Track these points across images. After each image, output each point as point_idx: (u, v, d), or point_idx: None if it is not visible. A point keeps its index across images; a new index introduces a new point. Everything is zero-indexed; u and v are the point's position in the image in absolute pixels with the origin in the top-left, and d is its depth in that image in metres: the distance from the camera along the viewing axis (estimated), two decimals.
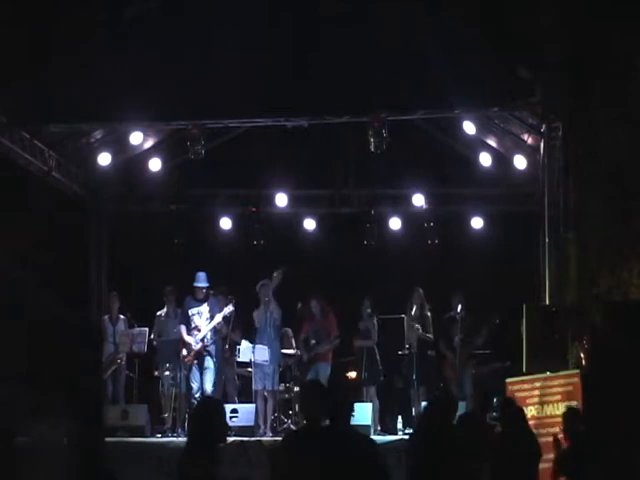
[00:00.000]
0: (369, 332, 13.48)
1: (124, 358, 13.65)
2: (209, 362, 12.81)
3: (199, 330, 12.86)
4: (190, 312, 12.92)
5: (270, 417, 12.97)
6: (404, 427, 13.13)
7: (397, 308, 13.71)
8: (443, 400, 8.02)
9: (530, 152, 13.57)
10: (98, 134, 13.88)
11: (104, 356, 12.68)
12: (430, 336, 13.48)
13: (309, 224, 15.34)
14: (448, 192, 15.04)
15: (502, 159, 14.29)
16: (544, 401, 10.24)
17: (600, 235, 10.83)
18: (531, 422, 9.58)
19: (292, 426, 12.65)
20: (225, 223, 15.32)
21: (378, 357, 13.46)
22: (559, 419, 9.37)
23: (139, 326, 13.74)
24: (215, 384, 12.89)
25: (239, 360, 13.42)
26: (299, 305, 13.74)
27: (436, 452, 7.04)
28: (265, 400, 13.10)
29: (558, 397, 10.10)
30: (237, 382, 13.91)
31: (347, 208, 15.35)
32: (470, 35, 11.42)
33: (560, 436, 8.92)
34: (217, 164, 13.96)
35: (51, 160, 13.41)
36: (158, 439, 12.36)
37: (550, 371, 10.43)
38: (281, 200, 14.98)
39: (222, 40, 11.43)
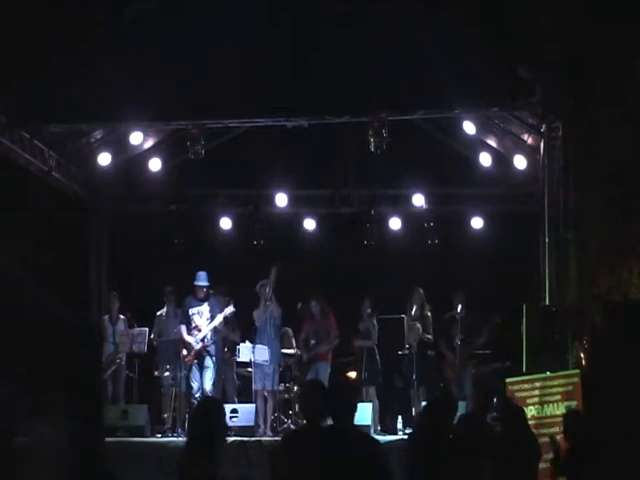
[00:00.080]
0: (369, 332, 13.48)
1: (124, 358, 13.65)
2: (209, 361, 12.80)
3: (199, 330, 12.85)
4: (190, 312, 12.92)
5: (270, 417, 12.97)
6: (404, 427, 13.13)
7: (397, 308, 13.71)
8: (443, 400, 8.01)
9: (530, 152, 13.58)
10: (98, 134, 13.88)
11: (104, 356, 12.68)
12: (430, 336, 13.48)
13: (309, 224, 15.34)
14: (448, 192, 15.04)
15: (502, 159, 14.30)
16: (544, 401, 10.23)
17: (600, 235, 10.83)
18: (531, 422, 9.58)
19: (292, 426, 12.65)
20: (225, 223, 15.32)
21: (378, 357, 13.46)
22: (559, 419, 9.37)
23: (139, 326, 13.73)
24: (215, 383, 12.88)
25: (239, 360, 13.42)
26: (299, 305, 13.74)
27: (435, 452, 7.04)
28: (265, 400, 13.10)
29: (558, 397, 10.10)
30: (236, 382, 13.91)
31: (347, 208, 15.36)
32: (470, 35, 11.42)
33: (559, 437, 8.92)
34: (217, 164, 13.96)
35: (51, 160, 13.41)
36: (158, 439, 12.36)
37: (550, 371, 10.42)
38: (281, 200, 14.98)
39: (222, 40, 11.43)
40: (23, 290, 5.35)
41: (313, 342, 13.33)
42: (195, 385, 12.78)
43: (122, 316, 13.92)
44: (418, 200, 14.84)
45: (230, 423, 11.97)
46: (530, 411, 10.09)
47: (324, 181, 15.24)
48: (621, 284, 10.60)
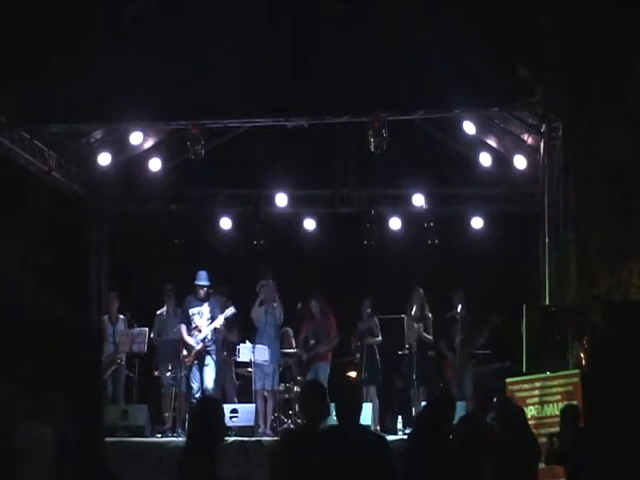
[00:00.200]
0: (371, 331, 13.48)
1: (124, 358, 13.64)
2: (209, 360, 12.79)
3: (199, 330, 12.83)
4: (191, 312, 12.90)
5: (270, 417, 12.97)
6: (404, 427, 13.13)
7: (397, 308, 13.72)
8: (443, 400, 8.01)
9: (530, 152, 13.57)
10: (98, 134, 13.88)
11: (104, 356, 12.68)
12: (430, 336, 13.48)
13: (309, 224, 15.34)
14: (448, 192, 15.04)
15: (502, 159, 14.29)
16: (544, 401, 10.24)
17: (600, 235, 10.83)
18: (531, 422, 9.57)
19: (292, 426, 12.65)
20: (225, 223, 15.32)
21: (378, 357, 13.47)
22: (559, 419, 9.37)
23: (139, 326, 13.73)
24: (216, 381, 12.87)
25: (239, 360, 13.42)
26: (299, 305, 13.74)
27: (435, 452, 7.04)
28: (265, 400, 13.10)
29: (558, 397, 10.10)
30: (236, 382, 13.91)
31: (347, 208, 15.35)
32: (470, 35, 11.42)
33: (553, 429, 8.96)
34: (217, 164, 13.95)
35: (51, 160, 13.41)
36: (158, 439, 12.35)
37: (550, 371, 10.42)
38: (281, 200, 14.98)
39: (222, 40, 11.43)
40: (23, 290, 5.36)
41: (313, 342, 13.33)
42: (195, 385, 12.77)
43: (122, 316, 13.91)
44: (418, 200, 14.84)
45: (230, 423, 11.98)
46: (530, 411, 10.09)
47: (324, 181, 15.24)
48: (621, 284, 10.60)
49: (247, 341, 13.33)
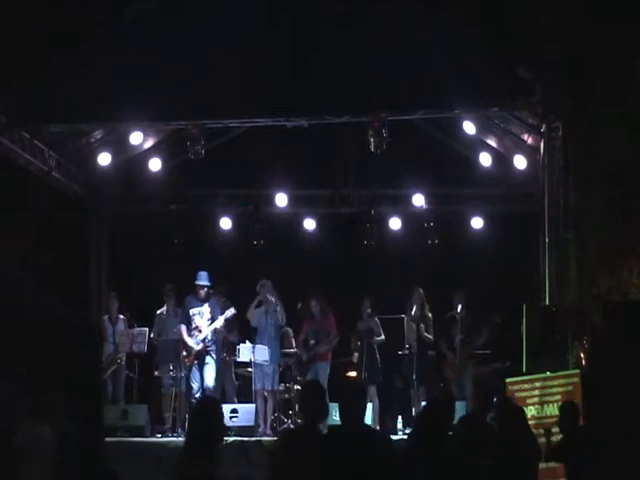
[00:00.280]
0: (372, 331, 13.47)
1: (124, 358, 13.64)
2: (209, 359, 12.78)
3: (200, 331, 12.83)
4: (191, 312, 12.90)
5: (270, 417, 12.97)
6: (404, 427, 13.14)
7: (397, 308, 13.72)
8: (443, 400, 8.01)
9: (530, 152, 13.57)
10: (98, 134, 13.88)
11: (104, 356, 12.68)
12: (430, 336, 13.48)
13: (309, 224, 15.34)
14: (448, 192, 15.04)
15: (502, 159, 14.29)
16: (544, 401, 10.23)
17: (600, 235, 10.83)
18: (531, 422, 9.56)
19: (292, 426, 12.65)
20: (225, 223, 15.32)
21: (378, 357, 13.47)
22: (558, 416, 9.38)
23: (139, 326, 13.73)
24: (216, 380, 12.86)
25: (239, 360, 13.42)
26: (299, 305, 13.74)
27: (435, 452, 7.04)
28: (265, 400, 13.10)
29: (558, 397, 10.09)
30: (235, 382, 13.91)
31: (347, 208, 15.36)
32: (470, 35, 11.41)
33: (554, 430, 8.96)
34: (217, 164, 13.95)
35: (51, 160, 13.41)
36: (158, 439, 12.35)
37: (550, 371, 10.42)
38: (281, 200, 14.98)
39: (222, 40, 11.42)
40: (23, 290, 5.36)
41: (313, 342, 13.33)
42: (195, 385, 12.77)
43: (122, 316, 13.91)
44: (418, 200, 14.84)
45: (230, 423, 11.99)
46: (530, 411, 10.09)
47: (324, 181, 15.24)
48: (621, 284, 10.60)
49: (247, 341, 13.33)
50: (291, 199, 15.04)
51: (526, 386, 10.48)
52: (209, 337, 12.83)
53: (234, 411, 12.41)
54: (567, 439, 8.63)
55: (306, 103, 11.52)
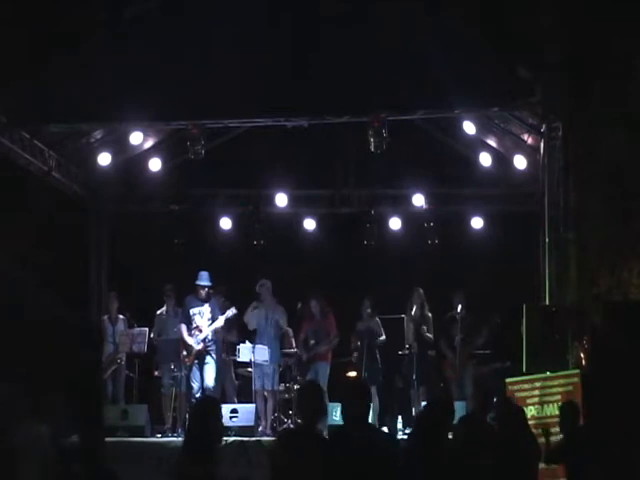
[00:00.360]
0: (372, 331, 13.46)
1: (124, 358, 13.64)
2: (209, 359, 12.78)
3: (200, 330, 12.83)
4: (192, 312, 12.89)
5: (270, 417, 12.97)
6: (404, 427, 13.13)
7: (397, 308, 13.71)
8: (442, 400, 8.01)
9: (530, 152, 13.57)
10: (98, 134, 13.88)
11: (104, 356, 12.67)
12: (430, 336, 13.48)
13: (309, 224, 15.34)
14: (448, 192, 15.04)
15: (502, 159, 14.30)
16: (544, 401, 10.23)
17: (600, 235, 10.83)
18: (531, 422, 9.56)
19: (292, 426, 12.65)
20: (225, 223, 15.32)
21: (378, 357, 13.46)
22: (559, 416, 9.38)
23: (139, 326, 13.73)
24: (216, 380, 12.86)
25: (239, 360, 13.42)
26: (299, 305, 13.74)
27: (435, 452, 7.04)
28: (265, 400, 13.10)
29: (558, 397, 10.09)
30: (235, 382, 13.91)
31: (347, 208, 15.36)
32: (470, 35, 11.42)
33: (551, 429, 8.96)
34: (217, 164, 13.96)
35: (51, 160, 13.41)
36: (158, 439, 12.36)
37: (550, 371, 10.42)
38: (281, 200, 14.98)
39: (222, 40, 11.43)
40: (23, 290, 5.35)
41: (312, 342, 13.33)
42: (195, 385, 12.77)
43: (121, 316, 13.91)
44: (418, 200, 14.84)
45: (230, 423, 11.99)
46: (530, 411, 10.08)
47: (324, 181, 15.24)
48: (621, 284, 10.60)
49: (247, 341, 13.33)
50: (291, 199, 15.04)
51: (526, 386, 10.48)
52: (209, 337, 12.82)
53: (234, 411, 12.41)
54: (567, 439, 8.63)
55: (306, 103, 11.52)
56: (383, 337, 13.53)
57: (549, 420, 9.97)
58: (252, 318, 13.39)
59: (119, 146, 14.12)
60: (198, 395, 12.53)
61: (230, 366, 13.72)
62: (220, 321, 12.84)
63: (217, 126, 12.87)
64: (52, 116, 11.98)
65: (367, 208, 15.06)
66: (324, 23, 11.57)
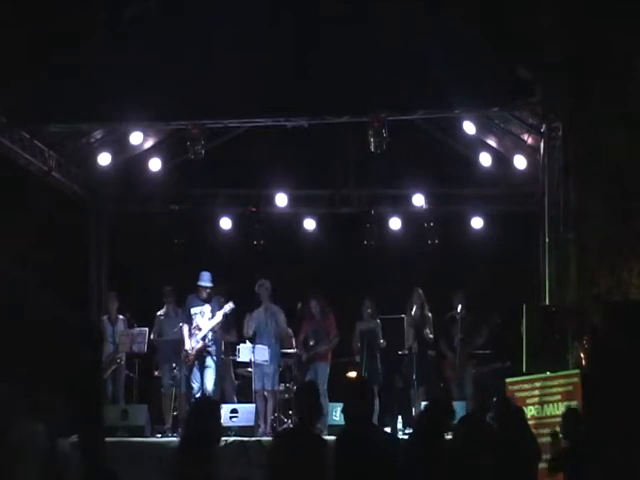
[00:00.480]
0: (373, 331, 13.44)
1: (124, 358, 13.63)
2: (210, 361, 12.77)
3: (200, 329, 12.83)
4: (193, 311, 12.88)
5: (270, 417, 12.96)
6: (404, 427, 13.12)
7: (397, 308, 13.71)
8: (442, 401, 8.01)
9: (530, 152, 13.58)
10: (98, 134, 13.89)
11: (104, 356, 12.66)
12: (430, 336, 13.47)
13: (309, 224, 15.34)
14: (448, 192, 15.05)
15: (502, 159, 14.30)
16: (544, 401, 10.23)
17: (600, 235, 10.83)
18: (531, 422, 9.58)
19: (291, 426, 12.64)
20: (225, 223, 15.32)
21: (378, 357, 13.45)
22: (559, 419, 9.37)
23: (139, 326, 13.72)
24: (216, 383, 12.86)
25: (239, 360, 13.42)
26: (299, 305, 13.73)
27: (435, 452, 7.04)
28: (265, 400, 13.09)
29: (558, 397, 10.10)
30: (235, 382, 13.90)
31: (347, 208, 15.36)
32: (470, 35, 11.42)
33: (560, 436, 8.92)
34: (217, 164, 13.96)
35: (51, 160, 13.41)
36: (158, 439, 12.35)
37: (550, 371, 10.42)
38: (281, 200, 14.98)
39: (222, 40, 11.43)
40: (23, 290, 5.35)
41: (312, 342, 13.32)
42: (195, 385, 12.76)
43: (121, 316, 13.90)
44: (418, 200, 14.85)
45: (230, 423, 11.98)
46: (530, 411, 10.09)
47: (324, 181, 15.25)
48: (621, 284, 10.60)
49: (247, 341, 13.33)
50: (291, 199, 15.04)
51: (526, 386, 10.48)
52: (209, 336, 12.79)
53: (234, 411, 12.40)
54: (569, 446, 8.60)
55: (306, 103, 11.53)
56: (381, 340, 13.50)
57: (549, 420, 9.98)
58: (251, 321, 13.37)
59: (119, 146, 14.12)
60: (198, 395, 12.52)
61: (230, 366, 13.71)
62: (218, 316, 12.81)
63: (217, 126, 12.87)
64: (52, 116, 11.98)
65: (367, 208, 15.06)
66: (324, 23, 11.57)
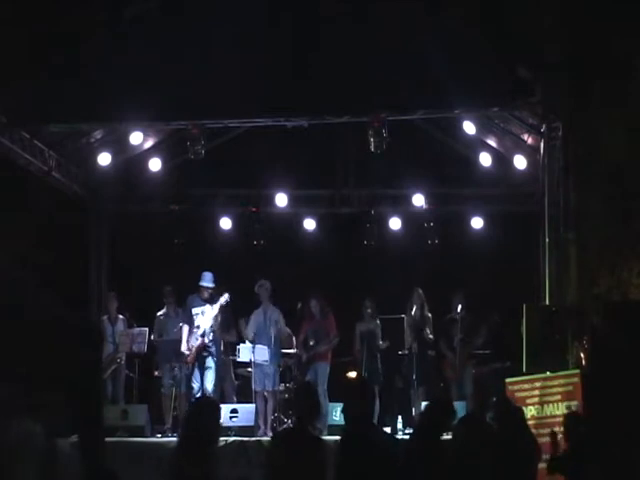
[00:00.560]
0: (373, 332, 13.44)
1: (123, 358, 13.63)
2: (210, 362, 12.77)
3: (200, 328, 12.82)
4: (194, 311, 12.88)
5: (270, 417, 12.96)
6: (404, 427, 13.12)
7: (397, 308, 13.71)
8: (442, 401, 8.01)
9: (530, 152, 13.58)
10: (98, 134, 13.89)
11: (104, 356, 12.66)
12: (430, 336, 13.47)
13: (309, 224, 15.34)
14: (448, 192, 15.05)
15: (502, 159, 14.30)
16: (544, 401, 10.23)
17: (600, 235, 10.82)
18: (531, 422, 9.58)
19: (291, 426, 12.64)
20: (225, 223, 15.32)
21: (379, 357, 13.46)
22: (559, 419, 9.38)
23: (138, 326, 13.73)
24: (216, 384, 12.86)
25: (239, 360, 13.42)
26: (299, 305, 13.73)
27: (435, 452, 7.04)
28: (265, 400, 13.09)
29: (558, 397, 10.10)
30: (234, 382, 13.90)
31: (347, 208, 15.36)
32: (470, 35, 11.42)
33: (560, 437, 8.92)
34: (217, 164, 13.96)
35: (51, 160, 13.41)
36: (158, 439, 12.35)
37: (550, 371, 10.42)
38: (281, 200, 14.99)
39: (222, 40, 11.43)
40: (23, 290, 5.35)
41: (312, 342, 13.32)
42: (196, 385, 12.75)
43: (121, 316, 13.90)
44: (418, 200, 14.85)
45: (230, 423, 11.98)
46: (530, 411, 10.09)
47: (324, 181, 15.25)
48: (621, 284, 10.59)
49: (247, 341, 13.32)
50: (291, 199, 15.04)
51: (526, 386, 10.48)
52: (210, 337, 12.76)
53: (234, 411, 12.40)
54: (571, 449, 8.60)
55: (306, 103, 11.53)
56: (382, 342, 13.49)
57: (549, 420, 9.98)
58: (250, 323, 13.36)
59: (119, 146, 14.12)
60: (199, 395, 12.52)
61: (229, 366, 13.70)
62: (215, 309, 12.77)
63: (217, 126, 12.87)
64: (52, 116, 11.98)
65: (367, 208, 15.06)
66: (324, 23, 11.57)
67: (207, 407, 6.24)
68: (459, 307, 13.28)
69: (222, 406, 10.85)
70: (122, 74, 11.46)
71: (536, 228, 13.04)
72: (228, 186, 15.20)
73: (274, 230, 15.09)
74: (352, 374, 13.51)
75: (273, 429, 12.75)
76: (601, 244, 10.82)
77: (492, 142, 14.41)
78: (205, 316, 12.83)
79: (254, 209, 15.12)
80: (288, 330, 13.66)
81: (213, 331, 12.84)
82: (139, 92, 11.42)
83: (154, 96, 11.46)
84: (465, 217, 14.92)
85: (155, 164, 14.24)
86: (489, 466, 7.53)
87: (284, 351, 13.49)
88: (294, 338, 13.68)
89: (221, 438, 10.18)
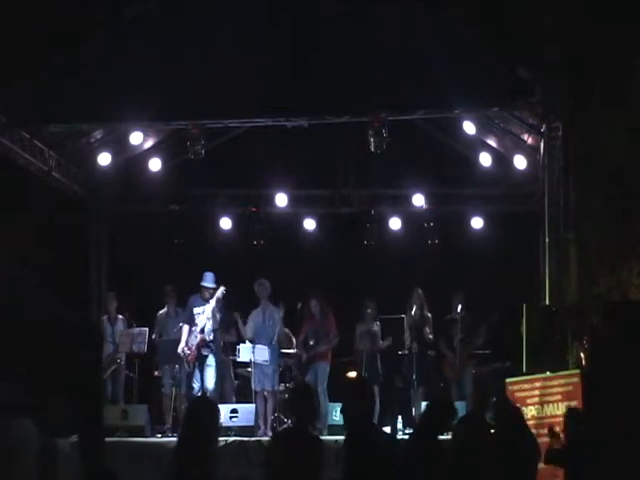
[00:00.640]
0: (373, 332, 13.43)
1: (123, 358, 13.64)
2: (210, 360, 12.76)
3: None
4: (195, 311, 12.87)
5: (270, 417, 12.95)
6: (404, 427, 13.12)
7: (397, 308, 13.71)
8: (442, 401, 8.02)
9: (530, 152, 13.58)
10: (98, 134, 13.89)
11: (104, 356, 12.66)
12: (430, 336, 13.47)
13: (309, 224, 15.34)
14: (448, 192, 15.05)
15: (502, 159, 14.30)
16: (544, 401, 10.24)
17: (600, 235, 10.82)
18: (531, 422, 9.58)
19: (291, 426, 12.63)
20: (225, 223, 15.33)
21: (379, 357, 13.46)
22: (559, 419, 9.37)
23: (138, 326, 13.73)
24: (216, 383, 12.84)
25: (239, 360, 13.41)
26: (299, 305, 13.73)
27: (435, 452, 7.04)
28: (265, 400, 13.09)
29: (558, 397, 10.10)
30: (234, 382, 13.90)
31: (347, 208, 15.36)
32: (470, 35, 11.42)
33: (557, 429, 8.94)
34: (217, 164, 13.96)
35: (51, 160, 13.42)
36: (158, 439, 12.34)
37: (550, 371, 10.42)
38: (281, 200, 14.99)
39: (222, 40, 11.43)
40: (23, 290, 5.35)
41: (312, 342, 13.31)
42: (196, 385, 12.74)
43: (121, 316, 13.90)
44: (418, 200, 14.85)
45: (230, 423, 11.98)
46: (530, 411, 10.10)
47: (324, 181, 15.25)
48: (621, 284, 10.59)
49: (247, 341, 13.32)
50: (291, 199, 15.04)
51: (526, 386, 10.49)
52: (210, 336, 12.75)
53: (234, 411, 12.40)
54: (570, 444, 8.61)
55: (306, 103, 11.53)
56: (381, 342, 13.49)
57: (549, 420, 9.98)
58: (250, 324, 13.36)
59: (119, 146, 14.12)
60: (197, 395, 12.52)
61: (229, 366, 13.70)
62: (212, 302, 12.75)
63: (217, 126, 12.87)
64: (52, 116, 11.99)
65: (367, 208, 15.06)
66: (324, 23, 11.58)
67: (205, 406, 6.24)
68: (459, 307, 13.28)
69: (222, 406, 10.86)
70: (122, 74, 11.46)
71: (536, 228, 13.04)
72: (228, 186, 15.20)
73: (274, 230, 15.09)
74: (352, 374, 13.50)
75: (273, 429, 12.74)
76: (601, 244, 10.81)
77: (492, 142, 14.41)
78: (205, 313, 12.83)
79: (254, 209, 15.13)
80: (286, 330, 13.66)
81: (214, 331, 12.84)
82: (139, 92, 11.42)
83: (154, 96, 11.46)
84: (465, 217, 14.92)
85: (155, 164, 14.24)
86: (489, 466, 7.53)
87: (284, 351, 13.49)
88: (294, 338, 13.69)
89: (221, 438, 10.22)
